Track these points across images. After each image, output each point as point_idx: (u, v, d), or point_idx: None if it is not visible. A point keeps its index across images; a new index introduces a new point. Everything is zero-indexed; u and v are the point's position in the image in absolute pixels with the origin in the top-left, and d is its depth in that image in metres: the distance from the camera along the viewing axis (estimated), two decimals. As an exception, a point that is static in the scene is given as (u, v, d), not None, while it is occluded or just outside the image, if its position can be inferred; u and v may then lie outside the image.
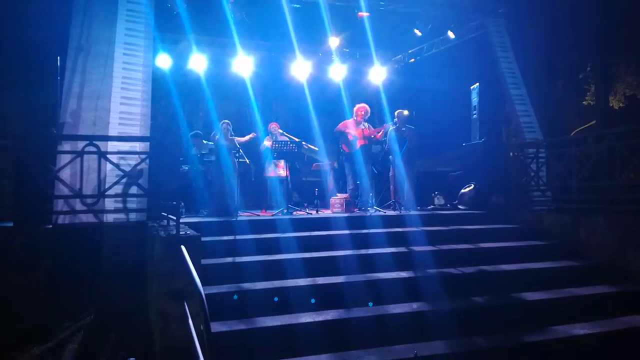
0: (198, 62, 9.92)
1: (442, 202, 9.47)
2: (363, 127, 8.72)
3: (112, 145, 6.07)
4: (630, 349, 4.91)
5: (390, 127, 8.81)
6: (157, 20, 7.27)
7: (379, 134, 8.96)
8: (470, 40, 9.95)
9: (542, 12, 10.04)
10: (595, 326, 5.01)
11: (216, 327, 4.25)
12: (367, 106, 8.93)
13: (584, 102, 13.00)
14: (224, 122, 8.56)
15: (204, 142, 9.37)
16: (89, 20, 6.66)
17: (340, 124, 8.93)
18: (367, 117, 8.84)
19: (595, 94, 12.67)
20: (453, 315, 4.90)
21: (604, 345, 4.83)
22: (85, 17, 6.66)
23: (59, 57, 6.96)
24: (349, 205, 8.49)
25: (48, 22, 7.31)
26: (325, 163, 10.08)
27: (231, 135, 8.52)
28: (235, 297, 4.86)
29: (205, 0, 8.42)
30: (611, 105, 12.78)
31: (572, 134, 10.00)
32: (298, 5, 8.47)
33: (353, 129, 8.77)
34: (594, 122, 12.20)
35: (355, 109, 8.91)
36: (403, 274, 5.59)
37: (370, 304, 5.08)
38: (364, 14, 9.02)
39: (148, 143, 6.24)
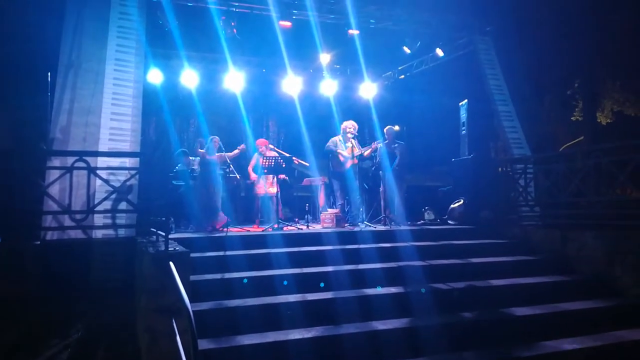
0: (189, 78, 9.97)
1: (432, 217, 9.50)
2: (352, 145, 8.74)
3: (101, 161, 6.06)
4: (619, 363, 4.93)
5: (380, 145, 8.86)
6: (148, 36, 7.32)
7: (367, 152, 8.99)
8: (458, 58, 10.09)
9: (529, 30, 10.24)
10: (584, 341, 5.01)
11: (204, 344, 4.21)
12: (354, 123, 8.96)
13: (572, 118, 13.19)
14: (213, 138, 8.58)
15: (191, 158, 9.39)
16: (80, 36, 6.70)
17: (330, 142, 8.92)
18: (355, 133, 8.87)
19: (583, 110, 12.86)
20: (443, 331, 4.89)
21: (593, 360, 4.84)
22: (76, 34, 6.70)
23: (49, 73, 6.96)
24: (339, 220, 8.50)
25: (39, 38, 7.34)
26: (316, 178, 10.11)
27: (221, 151, 8.54)
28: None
29: (197, 17, 8.48)
30: (599, 120, 12.97)
31: (560, 150, 10.12)
32: (289, 23, 8.55)
33: (342, 148, 8.79)
34: (581, 137, 12.36)
35: (343, 125, 8.94)
36: (393, 290, 5.58)
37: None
38: (354, 31, 9.13)
39: (138, 159, 6.24)
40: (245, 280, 4.94)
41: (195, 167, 9.08)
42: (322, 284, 5.48)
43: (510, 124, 8.84)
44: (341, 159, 8.74)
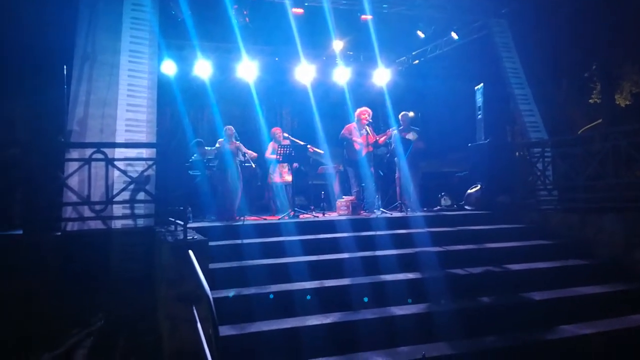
0: (203, 68, 10.01)
1: (449, 202, 9.46)
2: (366, 133, 8.70)
3: (119, 152, 6.13)
4: (638, 347, 4.89)
5: (395, 131, 8.81)
6: (161, 27, 7.35)
7: (382, 139, 8.96)
8: (473, 41, 9.96)
9: (545, 11, 10.03)
10: (603, 325, 4.99)
11: (224, 330, 4.28)
12: (369, 109, 8.90)
13: (589, 101, 12.94)
14: (227, 128, 8.63)
15: (207, 148, 9.45)
16: (94, 28, 6.74)
17: (345, 129, 8.89)
18: (369, 119, 8.83)
19: (601, 92, 12.62)
20: (460, 316, 4.90)
21: (612, 344, 4.81)
22: (91, 26, 6.74)
23: (65, 66, 7.03)
24: (355, 207, 8.50)
25: (54, 32, 7.40)
26: (330, 166, 10.11)
27: (236, 139, 8.59)
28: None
29: (209, 7, 8.48)
30: (617, 103, 12.72)
31: (578, 133, 9.97)
32: (301, 10, 8.51)
33: (357, 135, 8.75)
34: (600, 120, 12.16)
35: (357, 112, 8.88)
36: (410, 275, 5.59)
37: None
38: (368, 17, 9.06)
39: (154, 149, 6.29)
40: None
41: (211, 157, 9.15)
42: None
43: (527, 107, 8.73)
44: (356, 146, 8.71)
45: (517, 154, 8.52)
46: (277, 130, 9.32)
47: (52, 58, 7.49)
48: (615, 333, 4.89)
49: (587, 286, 5.73)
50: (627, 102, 12.70)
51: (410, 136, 8.66)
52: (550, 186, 7.87)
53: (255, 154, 9.01)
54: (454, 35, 9.94)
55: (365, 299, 5.11)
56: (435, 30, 10.05)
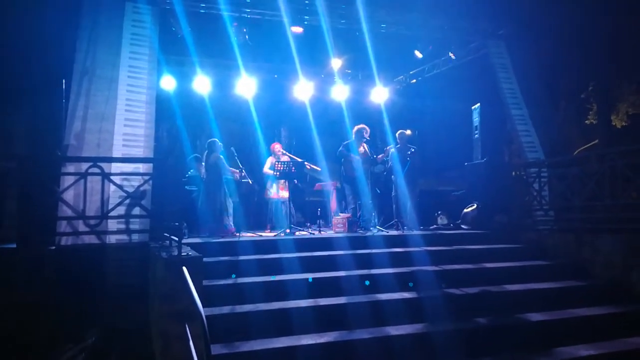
0: (202, 84, 10.06)
1: (445, 221, 9.45)
2: (364, 149, 8.73)
3: (115, 167, 6.13)
4: (636, 370, 4.85)
5: (392, 149, 8.84)
6: (161, 43, 7.40)
7: (380, 157, 8.98)
8: (471, 61, 10.04)
9: (542, 32, 10.14)
10: (600, 347, 4.94)
11: (216, 349, 4.22)
12: (367, 127, 8.96)
13: (586, 122, 13.02)
14: (231, 149, 8.66)
15: (203, 164, 9.44)
16: (94, 43, 6.78)
17: (342, 146, 8.92)
18: (367, 137, 8.86)
19: (598, 113, 12.71)
20: (457, 336, 4.84)
21: (609, 366, 4.77)
22: (91, 41, 6.78)
23: (64, 80, 7.06)
24: (351, 225, 8.48)
25: (54, 46, 7.44)
26: (327, 183, 10.11)
27: (233, 156, 8.61)
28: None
29: (209, 24, 8.54)
30: (614, 124, 12.80)
31: (575, 153, 10.01)
32: (301, 29, 8.58)
33: (354, 151, 8.78)
34: (596, 141, 12.22)
35: (355, 129, 8.94)
36: (406, 295, 5.55)
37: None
38: (366, 36, 9.12)
39: (151, 164, 6.30)
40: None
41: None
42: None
43: (523, 127, 8.76)
44: (354, 163, 8.72)
45: (513, 173, 8.54)
46: (276, 146, 9.33)
47: (51, 73, 7.53)
48: (613, 355, 4.84)
49: (585, 307, 5.68)
50: (623, 124, 12.79)
51: (410, 155, 8.68)
52: (546, 206, 7.87)
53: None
54: (452, 56, 10.03)
55: (361, 317, 5.06)
56: (433, 50, 10.13)
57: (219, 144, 8.48)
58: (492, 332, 5.07)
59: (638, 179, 6.35)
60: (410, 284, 5.70)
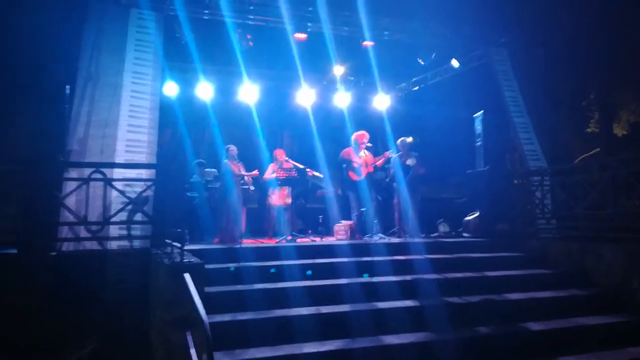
0: (205, 90, 10.08)
1: (447, 229, 9.42)
2: (364, 154, 8.74)
3: (118, 172, 6.13)
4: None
5: (393, 155, 8.84)
6: (165, 49, 7.42)
7: (380, 162, 8.98)
8: (473, 69, 10.05)
9: (544, 41, 10.16)
10: (603, 357, 4.93)
11: (218, 357, 4.20)
12: (366, 133, 8.96)
13: (587, 130, 13.04)
14: (230, 147, 8.65)
15: (207, 170, 9.45)
16: (99, 49, 6.80)
17: (344, 152, 8.93)
18: (366, 143, 8.86)
19: (599, 121, 12.72)
20: (459, 345, 4.83)
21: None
22: (95, 47, 6.80)
23: (68, 86, 7.07)
24: (353, 232, 8.47)
25: (59, 52, 7.47)
26: (329, 190, 10.10)
27: (237, 161, 8.61)
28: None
29: (213, 30, 8.57)
30: (615, 132, 12.80)
31: (576, 162, 10.01)
32: (304, 35, 8.61)
33: (355, 157, 8.79)
34: (597, 149, 12.21)
35: (354, 136, 8.94)
36: (408, 303, 5.53)
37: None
38: (369, 43, 9.15)
39: (154, 170, 6.30)
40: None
41: (210, 179, 9.15)
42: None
43: (526, 135, 8.76)
44: (355, 165, 8.72)
45: (516, 182, 8.53)
46: (279, 152, 9.33)
47: (55, 78, 7.56)
48: (616, 366, 4.82)
49: (587, 317, 5.66)
50: (624, 132, 12.79)
51: (410, 162, 8.68)
52: (548, 215, 7.85)
53: (254, 173, 9.02)
54: (454, 63, 10.04)
55: (363, 325, 5.05)
56: (435, 57, 10.15)
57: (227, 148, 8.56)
58: (494, 341, 5.05)
59: (641, 187, 6.34)
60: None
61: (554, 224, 7.80)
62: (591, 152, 12.39)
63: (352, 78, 11.82)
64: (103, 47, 6.84)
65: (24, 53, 7.79)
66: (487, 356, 4.78)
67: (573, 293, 6.20)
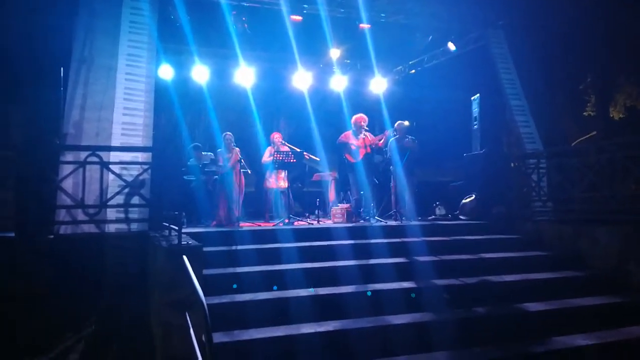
0: (200, 73, 10.01)
1: (444, 212, 9.46)
2: (364, 137, 8.72)
3: (114, 156, 6.11)
4: (633, 359, 4.89)
5: (391, 137, 8.83)
6: (159, 31, 7.34)
7: (381, 141, 8.98)
8: (470, 52, 10.01)
9: (541, 24, 10.11)
10: (597, 337, 4.98)
11: (217, 337, 4.23)
12: (365, 116, 8.93)
13: (584, 113, 13.05)
14: (226, 134, 8.63)
15: (204, 153, 9.41)
16: (92, 32, 6.72)
17: (342, 136, 8.92)
18: (365, 126, 8.84)
19: (596, 104, 12.73)
20: (455, 326, 4.88)
21: (606, 356, 4.80)
22: (89, 29, 6.72)
23: (62, 69, 7.00)
24: (350, 215, 8.49)
25: (52, 35, 7.37)
26: (326, 173, 10.10)
27: (234, 146, 8.58)
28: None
29: (208, 12, 8.48)
30: (611, 116, 12.82)
31: (572, 145, 10.02)
32: (300, 17, 8.53)
33: (354, 139, 8.78)
34: (594, 132, 12.24)
35: (353, 119, 8.91)
36: (405, 285, 5.57)
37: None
38: (365, 25, 9.09)
39: (150, 153, 6.28)
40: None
41: (207, 162, 9.13)
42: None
43: (522, 118, 8.77)
44: (352, 147, 8.70)
45: (512, 164, 8.55)
46: (276, 136, 9.30)
47: (49, 61, 7.46)
48: (610, 345, 4.88)
49: (582, 298, 5.72)
50: (621, 116, 12.81)
51: (408, 143, 8.67)
52: (545, 197, 7.89)
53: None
54: (451, 46, 9.99)
55: (360, 307, 5.09)
56: (432, 40, 10.10)
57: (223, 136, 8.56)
58: (491, 322, 5.09)
59: (637, 170, 6.36)
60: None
61: (550, 206, 7.84)
62: (588, 135, 12.42)
63: (348, 61, 11.75)
64: (97, 29, 6.75)
65: (16, 37, 7.68)
66: (484, 336, 4.82)
67: (569, 274, 6.26)
